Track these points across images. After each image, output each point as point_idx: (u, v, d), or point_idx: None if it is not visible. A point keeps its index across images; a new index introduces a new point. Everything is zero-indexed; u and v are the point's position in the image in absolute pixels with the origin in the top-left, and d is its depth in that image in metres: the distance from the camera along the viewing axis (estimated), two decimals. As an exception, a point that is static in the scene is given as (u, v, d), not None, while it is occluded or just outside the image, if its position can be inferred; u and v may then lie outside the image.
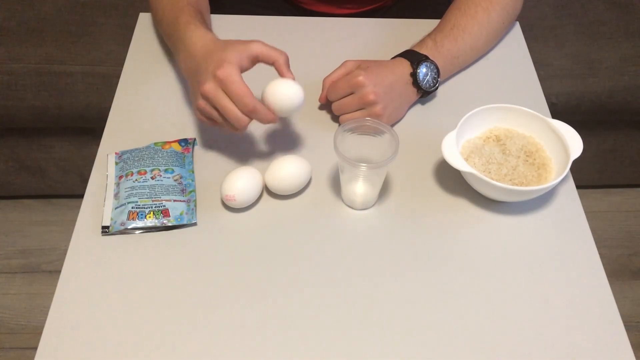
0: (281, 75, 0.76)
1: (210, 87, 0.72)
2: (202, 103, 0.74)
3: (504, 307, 0.69)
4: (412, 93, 0.87)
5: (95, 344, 0.65)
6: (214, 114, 0.74)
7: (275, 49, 0.76)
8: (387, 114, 0.83)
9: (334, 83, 0.84)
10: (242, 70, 0.73)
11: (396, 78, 0.85)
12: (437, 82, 0.88)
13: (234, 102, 0.72)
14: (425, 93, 0.88)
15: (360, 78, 0.81)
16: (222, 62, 0.72)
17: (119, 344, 0.65)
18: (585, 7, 1.41)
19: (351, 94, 0.82)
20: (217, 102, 0.72)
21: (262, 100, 0.75)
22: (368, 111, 0.82)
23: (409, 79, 0.86)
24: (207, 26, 0.82)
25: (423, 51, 0.88)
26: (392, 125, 0.85)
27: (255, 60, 0.76)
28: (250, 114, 0.73)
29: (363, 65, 0.84)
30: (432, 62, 0.87)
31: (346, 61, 0.86)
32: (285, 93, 0.74)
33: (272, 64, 0.76)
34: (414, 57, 0.87)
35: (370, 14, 1.12)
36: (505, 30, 0.99)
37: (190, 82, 0.79)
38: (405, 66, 0.86)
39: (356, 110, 0.83)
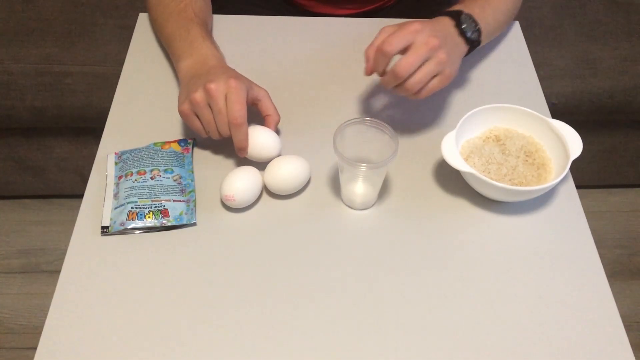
0: (267, 126, 0.80)
1: (217, 86, 0.74)
2: (199, 96, 0.75)
3: (503, 306, 0.69)
4: (462, 44, 0.83)
5: (95, 344, 0.65)
6: (205, 112, 0.76)
7: (275, 107, 0.81)
8: (450, 62, 0.77)
9: (382, 45, 0.75)
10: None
11: (445, 29, 0.81)
12: (479, 35, 0.84)
13: (227, 109, 0.75)
14: (471, 46, 0.84)
15: (417, 25, 0.75)
16: (239, 77, 0.77)
17: (119, 344, 0.65)
18: (585, 7, 1.41)
19: (406, 50, 0.75)
20: (214, 101, 0.75)
21: None
22: (434, 59, 0.74)
23: (455, 30, 0.82)
24: (211, 33, 0.87)
25: (454, 9, 0.85)
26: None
27: (254, 102, 0.80)
28: (235, 127, 0.75)
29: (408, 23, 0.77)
30: (468, 14, 0.84)
31: (383, 28, 0.78)
32: (264, 143, 0.78)
33: (265, 115, 0.81)
34: (449, 13, 0.84)
35: (371, 14, 1.12)
36: (517, 10, 0.97)
37: (189, 81, 0.80)
38: (445, 20, 0.83)
39: (421, 66, 0.74)
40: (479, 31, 0.84)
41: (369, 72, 0.79)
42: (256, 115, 0.82)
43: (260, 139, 0.78)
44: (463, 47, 0.84)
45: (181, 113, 0.78)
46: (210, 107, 0.75)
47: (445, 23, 0.83)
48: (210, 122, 0.76)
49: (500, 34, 1.00)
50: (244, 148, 0.77)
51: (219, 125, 0.76)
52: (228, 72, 0.78)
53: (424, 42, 0.74)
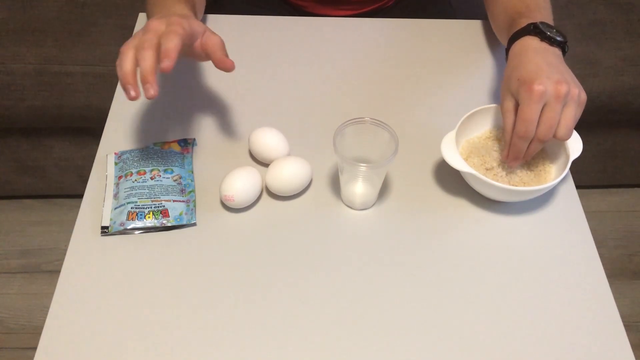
0: (215, 62, 0.73)
1: (158, 22, 0.69)
2: (139, 33, 0.69)
3: (503, 307, 0.69)
4: (558, 51, 0.77)
5: (95, 344, 0.65)
6: (136, 41, 0.68)
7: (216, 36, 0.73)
8: (577, 85, 0.72)
9: (522, 133, 0.71)
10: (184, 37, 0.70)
11: (539, 53, 0.75)
12: (560, 33, 0.77)
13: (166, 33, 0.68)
14: (564, 48, 0.78)
15: (536, 86, 0.69)
16: (186, 16, 0.71)
17: (119, 344, 0.65)
18: (585, 7, 1.41)
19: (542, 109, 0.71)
20: (149, 31, 0.68)
21: (250, 147, 0.80)
22: (569, 102, 0.71)
23: (544, 45, 0.76)
24: (194, 10, 0.80)
25: (522, 25, 0.78)
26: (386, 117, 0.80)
27: (195, 39, 0.72)
28: (166, 34, 0.67)
29: (514, 83, 0.73)
30: (540, 23, 0.77)
31: (503, 108, 0.74)
32: (273, 144, 0.79)
33: (206, 44, 0.73)
34: (524, 31, 0.78)
35: (369, 16, 1.12)
36: None
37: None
38: (528, 40, 0.77)
39: (562, 112, 0.71)
40: (558, 30, 0.77)
41: (511, 161, 0.76)
42: (265, 118, 0.82)
43: (268, 141, 0.79)
44: (559, 53, 0.77)
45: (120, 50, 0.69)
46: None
47: (533, 45, 0.76)
48: (144, 53, 0.66)
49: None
50: (171, 57, 0.66)
51: (145, 55, 0.66)
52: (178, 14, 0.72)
53: (554, 97, 0.70)
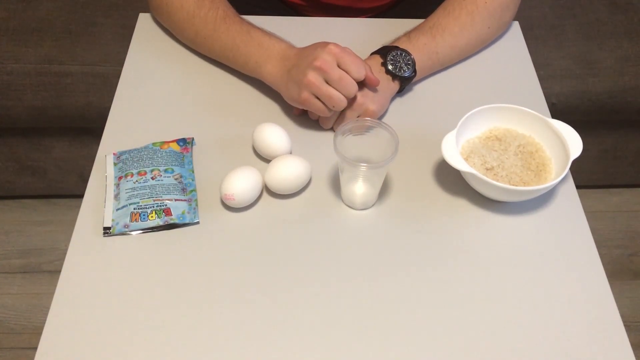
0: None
1: (324, 60, 0.77)
2: (313, 77, 0.77)
3: (503, 306, 0.69)
4: (387, 81, 0.87)
5: (95, 344, 0.65)
6: (323, 87, 0.78)
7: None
8: (370, 101, 0.83)
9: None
10: None
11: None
12: (412, 68, 0.87)
13: (349, 70, 0.78)
14: (403, 80, 0.88)
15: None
16: (330, 43, 0.79)
17: (120, 344, 0.65)
18: (585, 7, 1.41)
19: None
20: (330, 73, 0.77)
21: (254, 142, 0.81)
22: (349, 106, 0.82)
23: (380, 69, 0.86)
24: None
25: (394, 44, 0.89)
26: (380, 118, 0.85)
27: None
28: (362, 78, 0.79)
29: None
30: (403, 50, 0.87)
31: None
32: (275, 141, 0.80)
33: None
34: (383, 50, 0.88)
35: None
36: (493, 36, 0.97)
37: (288, 77, 0.81)
38: (375, 59, 0.88)
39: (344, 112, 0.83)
40: (410, 66, 0.87)
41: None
42: (264, 117, 0.83)
43: (271, 137, 0.79)
44: (391, 84, 0.87)
45: (303, 101, 0.80)
46: (327, 81, 0.78)
47: (371, 62, 0.87)
48: (333, 94, 0.78)
49: (500, 34, 1.00)
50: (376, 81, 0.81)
51: (345, 88, 0.78)
52: (316, 46, 0.79)
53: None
